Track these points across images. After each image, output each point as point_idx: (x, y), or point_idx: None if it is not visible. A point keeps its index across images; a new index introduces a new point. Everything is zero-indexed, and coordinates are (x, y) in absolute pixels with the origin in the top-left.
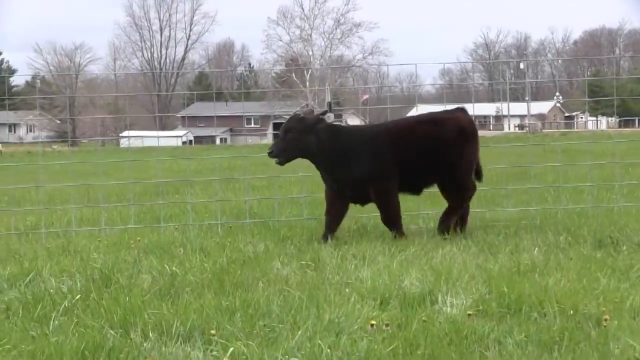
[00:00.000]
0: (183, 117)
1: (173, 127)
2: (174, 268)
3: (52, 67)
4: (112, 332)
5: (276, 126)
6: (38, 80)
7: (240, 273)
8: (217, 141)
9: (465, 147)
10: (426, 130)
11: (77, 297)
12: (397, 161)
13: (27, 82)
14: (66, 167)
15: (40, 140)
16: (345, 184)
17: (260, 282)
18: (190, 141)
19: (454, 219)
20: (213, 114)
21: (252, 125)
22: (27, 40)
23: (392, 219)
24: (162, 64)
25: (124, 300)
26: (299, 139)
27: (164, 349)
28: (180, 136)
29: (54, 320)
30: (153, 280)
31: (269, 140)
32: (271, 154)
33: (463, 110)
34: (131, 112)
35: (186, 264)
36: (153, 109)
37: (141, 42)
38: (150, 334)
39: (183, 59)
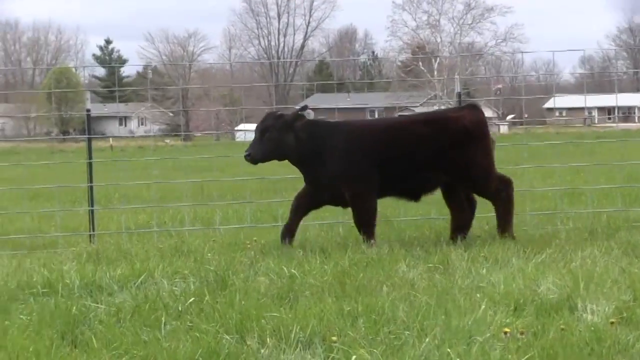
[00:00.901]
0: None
1: None
2: (292, 270)
3: (164, 57)
4: (227, 337)
5: None
6: (150, 71)
7: (362, 276)
8: None
9: (469, 148)
10: (418, 131)
11: (190, 300)
12: (376, 162)
13: (138, 72)
14: (179, 163)
15: (152, 134)
16: (323, 185)
17: (384, 285)
18: None
19: (510, 220)
20: (334, 106)
21: (376, 117)
22: (138, 28)
23: (364, 223)
24: (279, 52)
25: (240, 304)
26: (278, 138)
27: (282, 356)
28: None
29: (166, 325)
30: (270, 282)
31: None
32: (248, 157)
33: (473, 107)
34: (247, 104)
35: (305, 265)
36: (270, 101)
37: (258, 29)
38: (268, 340)
39: (302, 47)
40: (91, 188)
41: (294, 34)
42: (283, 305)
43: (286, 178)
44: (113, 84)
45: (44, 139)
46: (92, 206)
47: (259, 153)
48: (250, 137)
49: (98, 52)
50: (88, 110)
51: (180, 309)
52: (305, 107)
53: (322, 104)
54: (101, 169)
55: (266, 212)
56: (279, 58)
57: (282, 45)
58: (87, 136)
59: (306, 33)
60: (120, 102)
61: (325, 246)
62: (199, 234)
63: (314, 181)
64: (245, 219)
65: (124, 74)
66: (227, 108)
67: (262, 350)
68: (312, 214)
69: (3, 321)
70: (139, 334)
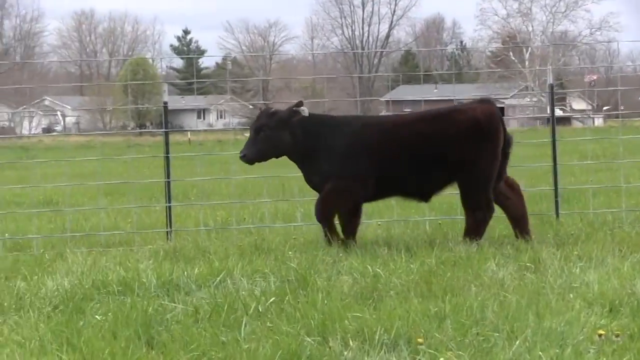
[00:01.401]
0: (387, 101)
1: (376, 113)
2: (377, 269)
3: (244, 47)
4: (308, 339)
5: None
6: (229, 62)
7: (450, 275)
8: None
9: (478, 143)
10: (423, 128)
11: (270, 300)
12: (375, 160)
13: (217, 63)
14: None
15: (231, 127)
16: (317, 184)
17: (472, 285)
18: None
19: (476, 234)
20: (421, 98)
21: None
22: (217, 18)
23: (323, 216)
24: (364, 42)
25: (322, 304)
26: (273, 136)
27: (365, 358)
28: None
29: (245, 325)
30: (354, 282)
31: None
32: (244, 158)
33: (487, 101)
34: (330, 96)
35: (390, 264)
36: (354, 93)
37: (341, 18)
38: (351, 342)
39: (387, 36)
40: (168, 183)
41: (379, 23)
42: (367, 305)
43: None
44: (191, 76)
45: (119, 132)
46: (170, 202)
47: (254, 153)
48: None
49: (176, 43)
50: (165, 103)
51: (260, 309)
52: (300, 103)
53: (408, 96)
54: (179, 163)
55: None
56: (363, 48)
57: (366, 34)
58: (164, 130)
59: (391, 22)
60: (198, 94)
61: (410, 244)
62: (280, 231)
63: (312, 179)
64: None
65: (202, 66)
66: (309, 100)
67: (345, 353)
68: (396, 210)
69: (78, 321)
70: (218, 335)
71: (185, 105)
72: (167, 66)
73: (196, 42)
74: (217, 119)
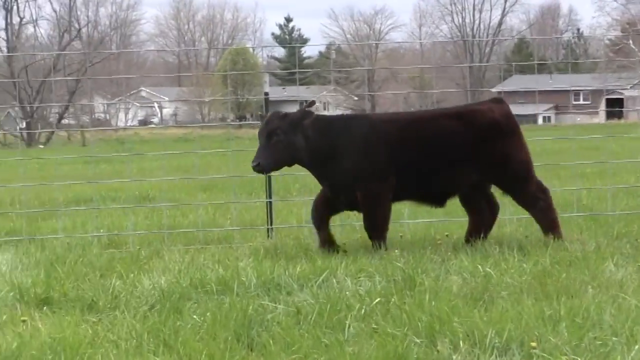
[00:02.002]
0: (499, 91)
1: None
2: (487, 269)
3: (348, 36)
4: (416, 341)
5: (610, 103)
6: (333, 51)
7: (565, 276)
8: (540, 120)
9: (503, 142)
10: (443, 126)
11: (375, 301)
12: (395, 161)
13: (320, 52)
14: None
15: None
16: (337, 187)
17: (589, 286)
18: None
19: (555, 225)
20: (535, 89)
21: (581, 101)
22: (320, 5)
23: (376, 228)
24: (474, 30)
25: (430, 305)
26: (287, 141)
27: None
28: None
29: (349, 327)
30: (463, 282)
31: (600, 119)
32: (257, 167)
33: (499, 100)
34: (439, 86)
35: (502, 264)
36: (464, 83)
37: (451, 5)
38: (461, 345)
39: (499, 24)
40: (269, 178)
41: (491, 10)
42: (477, 307)
43: None
44: (293, 66)
45: (218, 125)
46: (270, 198)
47: (269, 161)
48: None
49: (277, 31)
50: (266, 94)
51: (364, 310)
52: (312, 103)
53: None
54: None
55: (459, 205)
56: (474, 36)
57: (477, 22)
58: None
59: (504, 9)
60: (300, 84)
61: (523, 243)
62: None
63: (328, 183)
64: (435, 213)
65: (304, 55)
66: (416, 91)
67: (454, 356)
68: (511, 208)
69: (175, 321)
70: (320, 336)
71: (286, 96)
72: (268, 55)
73: (298, 30)
74: (321, 110)
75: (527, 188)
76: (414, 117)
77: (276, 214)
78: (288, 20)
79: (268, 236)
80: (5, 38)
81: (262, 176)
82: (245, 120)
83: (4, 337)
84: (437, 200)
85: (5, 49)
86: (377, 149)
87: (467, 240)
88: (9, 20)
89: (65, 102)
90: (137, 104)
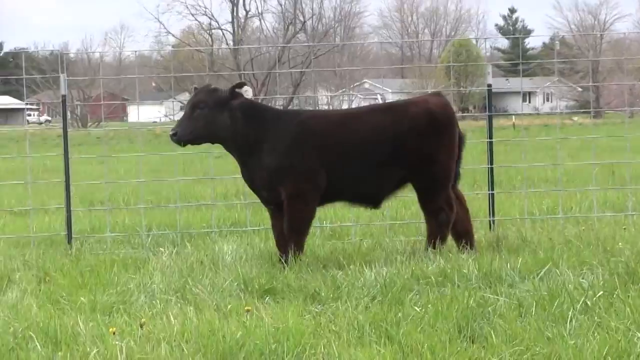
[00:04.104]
0: None
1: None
2: None
3: (573, 26)
4: (639, 335)
5: None
6: (557, 42)
7: None
8: None
9: (434, 137)
10: (375, 121)
11: (598, 294)
12: (324, 160)
13: (544, 44)
14: (588, 143)
15: (558, 111)
16: (258, 179)
17: None
18: None
19: (443, 239)
20: None
21: None
22: None
23: (296, 230)
24: None
25: None
26: (210, 116)
27: None
28: None
29: (571, 320)
30: None
31: None
32: (174, 137)
33: (438, 94)
34: None
35: None
36: None
37: None
38: None
39: None
40: (491, 170)
41: None
42: None
43: None
44: (516, 57)
45: None
46: (492, 190)
47: (186, 132)
48: None
49: (501, 22)
50: (489, 86)
51: (587, 303)
52: (242, 84)
53: None
54: (502, 149)
55: None
56: None
57: None
58: (488, 113)
59: None
60: (524, 76)
61: None
62: (609, 221)
63: (250, 173)
64: None
65: (528, 46)
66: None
67: None
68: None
69: (396, 313)
70: (542, 329)
71: (509, 88)
72: (491, 47)
73: (522, 21)
74: (544, 102)
75: (438, 195)
76: (344, 114)
77: (498, 206)
78: (512, 11)
79: (490, 228)
80: (231, 31)
81: (483, 167)
82: (468, 112)
83: (228, 326)
84: (371, 200)
85: (231, 42)
86: (304, 147)
87: (460, 249)
88: (235, 14)
89: (290, 95)
90: (361, 96)
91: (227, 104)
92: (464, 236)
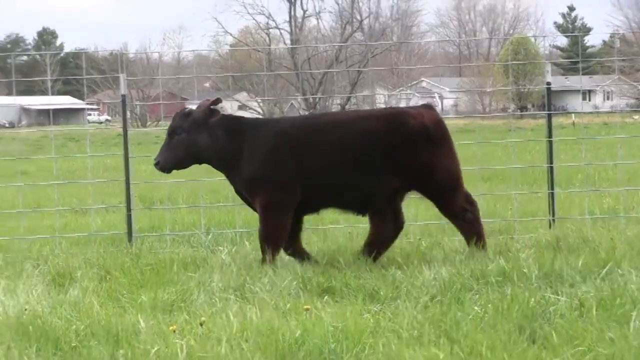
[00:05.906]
0: None
1: None
2: None
3: (633, 24)
4: None
5: None
6: (617, 40)
7: None
8: None
9: (432, 148)
10: (364, 129)
11: None
12: (303, 169)
13: (604, 41)
14: None
15: (618, 109)
16: (243, 193)
17: None
18: None
19: (479, 235)
20: None
21: None
22: None
23: (268, 240)
24: None
25: None
26: (188, 140)
27: None
28: None
29: (635, 320)
30: None
31: None
32: (157, 166)
33: (428, 107)
34: None
35: None
36: None
37: None
38: None
39: None
40: (551, 169)
41: None
42: None
43: None
44: (576, 55)
45: (500, 115)
46: (552, 189)
47: (168, 160)
48: None
49: (560, 20)
50: (548, 84)
51: None
52: (218, 100)
53: None
54: (562, 147)
55: None
56: None
57: None
58: (547, 112)
59: None
60: (583, 74)
61: None
62: None
63: (237, 186)
64: None
65: (587, 44)
66: None
67: None
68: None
69: (456, 312)
70: (604, 330)
71: (569, 86)
72: (550, 45)
73: (581, 19)
74: (604, 100)
75: (453, 199)
76: (326, 121)
77: (559, 205)
78: (571, 9)
79: (550, 227)
80: (289, 30)
81: (543, 166)
82: (526, 111)
83: (287, 325)
84: (357, 208)
85: (288, 41)
86: (280, 156)
87: (364, 252)
88: (292, 13)
89: (347, 94)
90: (418, 95)
91: (204, 124)
92: (379, 245)
